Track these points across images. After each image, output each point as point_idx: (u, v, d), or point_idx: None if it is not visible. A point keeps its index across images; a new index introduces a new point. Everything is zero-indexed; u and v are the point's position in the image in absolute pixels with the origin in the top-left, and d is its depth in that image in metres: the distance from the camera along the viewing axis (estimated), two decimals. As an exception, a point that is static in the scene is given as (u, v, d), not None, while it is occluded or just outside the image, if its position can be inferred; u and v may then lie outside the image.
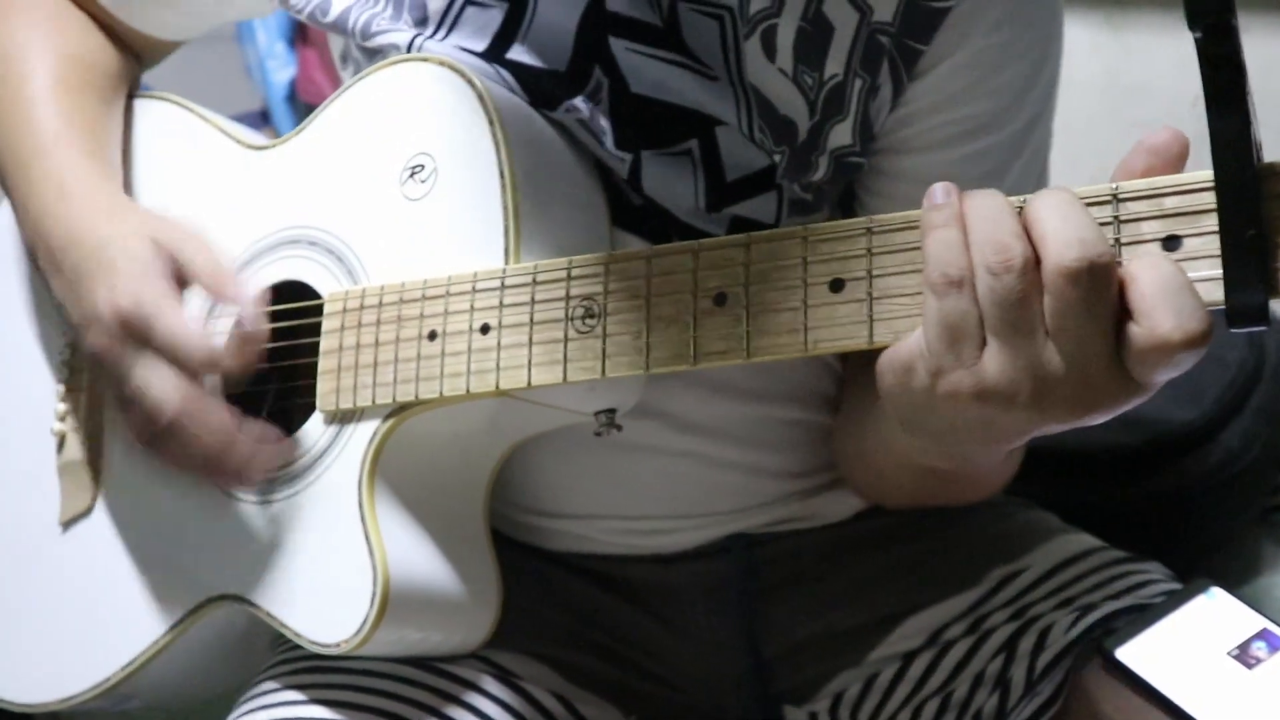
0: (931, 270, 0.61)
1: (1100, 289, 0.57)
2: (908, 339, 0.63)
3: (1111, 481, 1.14)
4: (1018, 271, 0.58)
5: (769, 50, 0.82)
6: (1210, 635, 0.82)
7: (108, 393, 0.86)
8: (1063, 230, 0.58)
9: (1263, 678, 0.79)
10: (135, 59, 1.03)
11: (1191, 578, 0.87)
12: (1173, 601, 0.84)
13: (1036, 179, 0.89)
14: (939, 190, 0.62)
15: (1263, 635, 0.81)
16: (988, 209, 0.60)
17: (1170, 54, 1.43)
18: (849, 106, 0.84)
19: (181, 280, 0.84)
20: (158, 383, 0.80)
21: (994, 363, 0.60)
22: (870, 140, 0.86)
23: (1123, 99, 1.46)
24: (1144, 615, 0.84)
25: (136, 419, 0.82)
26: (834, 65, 0.83)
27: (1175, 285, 0.57)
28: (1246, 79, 0.56)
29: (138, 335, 0.80)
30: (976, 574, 0.94)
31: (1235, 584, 0.86)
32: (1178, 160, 0.59)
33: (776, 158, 0.85)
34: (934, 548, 0.96)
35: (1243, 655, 0.80)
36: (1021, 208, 0.60)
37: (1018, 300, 0.58)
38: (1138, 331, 0.57)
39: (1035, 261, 0.59)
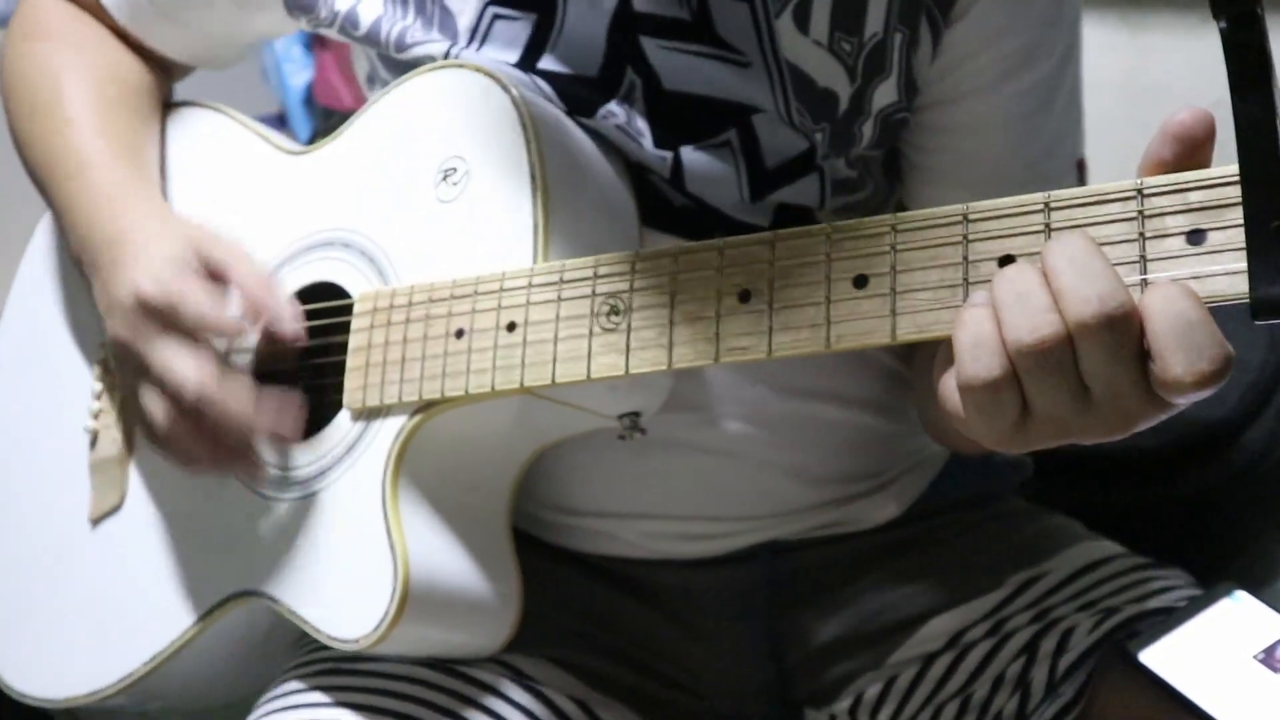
0: (966, 369, 0.60)
1: (1121, 336, 0.57)
2: (950, 384, 0.63)
3: (1135, 484, 1.14)
4: (1052, 347, 0.58)
5: (802, 23, 0.83)
6: (1235, 638, 0.81)
7: (128, 383, 0.86)
8: (1080, 286, 0.57)
9: (1289, 681, 0.79)
10: (165, 72, 1.03)
11: (1215, 582, 0.86)
12: (1197, 605, 0.84)
13: (1076, 119, 0.90)
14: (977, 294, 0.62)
15: (1288, 638, 0.81)
16: (1016, 287, 0.59)
17: (1188, 55, 1.42)
18: (890, 63, 0.84)
19: (217, 281, 0.84)
20: (179, 364, 0.79)
21: (1033, 409, 0.60)
22: (915, 94, 0.86)
23: (1140, 100, 1.45)
24: (1168, 618, 0.83)
25: (156, 407, 0.81)
26: (874, 24, 0.83)
27: (1185, 324, 0.56)
28: (1273, 68, 0.56)
29: (160, 318, 0.81)
30: (998, 579, 0.94)
31: (1260, 587, 0.85)
32: (1205, 142, 0.59)
33: (817, 137, 0.85)
34: (955, 554, 0.96)
35: (1268, 659, 0.80)
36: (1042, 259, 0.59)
37: (1054, 367, 0.58)
38: (1154, 370, 0.57)
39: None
